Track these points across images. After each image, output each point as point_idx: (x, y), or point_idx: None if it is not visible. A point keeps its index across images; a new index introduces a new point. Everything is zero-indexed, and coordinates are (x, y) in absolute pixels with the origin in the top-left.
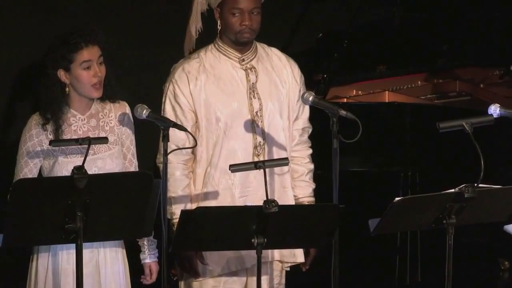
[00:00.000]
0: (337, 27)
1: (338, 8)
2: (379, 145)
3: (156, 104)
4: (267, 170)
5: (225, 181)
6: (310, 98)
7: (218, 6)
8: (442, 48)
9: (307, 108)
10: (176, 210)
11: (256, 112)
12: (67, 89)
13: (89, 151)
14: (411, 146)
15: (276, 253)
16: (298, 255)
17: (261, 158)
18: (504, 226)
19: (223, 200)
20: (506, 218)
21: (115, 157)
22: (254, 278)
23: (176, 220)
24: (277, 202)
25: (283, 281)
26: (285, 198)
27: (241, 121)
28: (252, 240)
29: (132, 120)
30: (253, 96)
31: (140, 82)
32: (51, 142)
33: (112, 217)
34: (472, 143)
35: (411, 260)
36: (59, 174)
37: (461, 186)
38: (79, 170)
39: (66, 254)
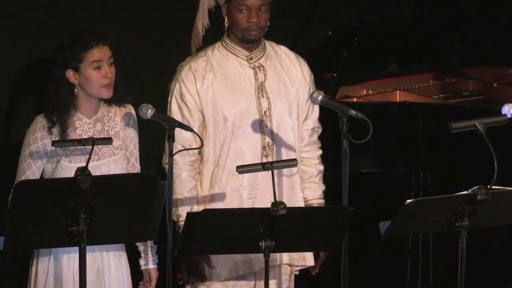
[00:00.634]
0: (347, 25)
1: (348, 5)
2: (390, 145)
3: (162, 104)
4: (275, 171)
5: (232, 183)
6: (320, 98)
7: (225, 3)
8: (455, 46)
9: (316, 108)
10: (182, 212)
11: (265, 112)
12: (75, 90)
13: (93, 157)
14: (423, 146)
15: (285, 257)
16: (308, 259)
17: (270, 159)
18: None
19: (231, 202)
20: None
21: (119, 162)
22: (263, 282)
23: (182, 223)
24: (285, 204)
25: (292, 285)
26: (294, 200)
27: (249, 121)
28: (260, 243)
29: (137, 124)
30: (262, 95)
31: (146, 81)
32: (53, 143)
33: (116, 220)
34: (485, 143)
35: (422, 264)
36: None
37: (474, 187)
38: (83, 171)
39: (67, 260)
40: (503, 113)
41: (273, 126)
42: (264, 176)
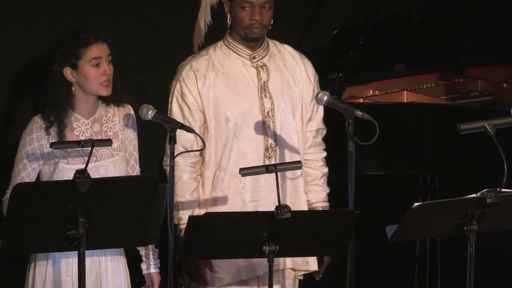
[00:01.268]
0: (353, 23)
1: (355, 3)
2: (397, 147)
3: (163, 104)
4: (279, 173)
5: (235, 185)
6: (325, 98)
7: (228, 0)
8: (463, 45)
9: (321, 108)
10: (183, 215)
11: (268, 112)
12: (73, 88)
13: (92, 158)
14: (430, 148)
15: (289, 261)
16: (311, 263)
17: (273, 161)
18: None
19: (234, 205)
20: None
21: (118, 164)
22: (266, 287)
23: (183, 226)
24: (290, 208)
25: None
26: (298, 203)
27: (251, 122)
28: (264, 248)
29: (136, 124)
30: (265, 95)
31: (146, 81)
32: (51, 145)
33: (116, 224)
34: (494, 145)
35: (430, 269)
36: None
37: (483, 190)
38: (82, 173)
39: (65, 265)
40: None
41: (276, 127)
42: (267, 178)
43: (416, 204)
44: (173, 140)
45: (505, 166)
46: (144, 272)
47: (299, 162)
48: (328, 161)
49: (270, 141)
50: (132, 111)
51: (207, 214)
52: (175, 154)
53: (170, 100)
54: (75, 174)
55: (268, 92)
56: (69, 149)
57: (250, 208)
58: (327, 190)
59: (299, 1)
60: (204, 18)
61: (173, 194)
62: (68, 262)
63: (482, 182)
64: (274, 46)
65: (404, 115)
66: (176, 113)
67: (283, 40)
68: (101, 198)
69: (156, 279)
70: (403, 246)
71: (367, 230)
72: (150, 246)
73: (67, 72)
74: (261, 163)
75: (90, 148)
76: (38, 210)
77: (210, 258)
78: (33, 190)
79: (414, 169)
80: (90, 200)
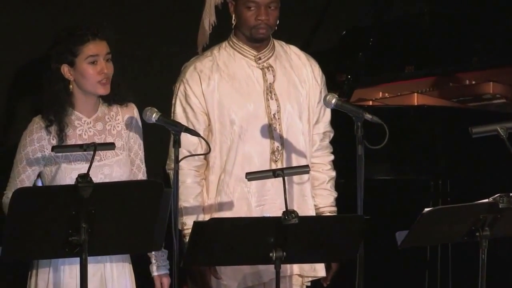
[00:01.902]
0: (363, 24)
1: (364, 3)
2: (407, 151)
3: (166, 107)
4: (286, 178)
5: (240, 189)
6: (333, 101)
7: (233, 0)
8: (475, 46)
9: (328, 111)
10: (187, 220)
11: (274, 115)
12: (70, 86)
13: (95, 157)
14: (441, 152)
15: (296, 267)
16: (318, 269)
17: (279, 164)
18: None
19: (239, 210)
20: None
21: (122, 163)
22: None
23: (187, 231)
24: (297, 213)
25: None
26: (305, 207)
27: (257, 124)
28: (270, 254)
29: (140, 123)
30: (271, 97)
31: (148, 83)
32: (53, 148)
33: (119, 229)
34: (507, 149)
35: (441, 276)
36: (62, 182)
37: (496, 195)
38: (84, 178)
39: (68, 268)
40: None
41: (283, 129)
42: (273, 183)
43: (426, 209)
44: (178, 144)
45: None
46: (154, 274)
47: (307, 166)
48: (337, 165)
49: (276, 144)
50: (135, 110)
51: (212, 219)
52: (180, 158)
53: (173, 102)
54: (77, 178)
55: (274, 94)
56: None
57: (256, 213)
58: (335, 194)
59: (307, 0)
60: (208, 19)
61: (177, 199)
62: (72, 266)
63: (494, 187)
64: (280, 46)
65: (415, 118)
66: (179, 115)
67: (290, 41)
68: (104, 203)
69: (166, 282)
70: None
71: (377, 236)
72: None
73: (65, 69)
74: (267, 167)
75: (93, 149)
76: (39, 216)
77: (215, 264)
78: (34, 195)
79: (424, 173)
80: (93, 205)
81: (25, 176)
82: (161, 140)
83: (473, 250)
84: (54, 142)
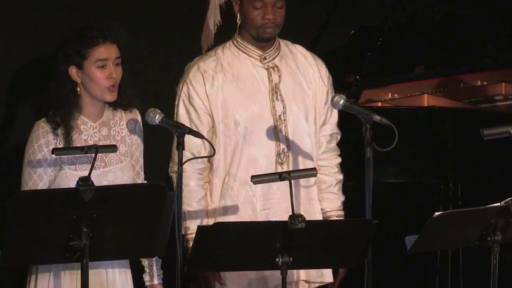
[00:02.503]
0: (371, 23)
1: (373, 2)
2: (417, 154)
3: (169, 108)
4: (292, 181)
5: (245, 192)
6: (341, 102)
7: None
8: (487, 46)
9: (335, 112)
10: (190, 225)
11: (279, 116)
12: (78, 89)
13: (100, 164)
14: (452, 155)
15: (302, 273)
16: (326, 275)
17: (285, 167)
18: None
19: (244, 214)
20: None
21: (126, 169)
22: None
23: (190, 235)
24: (304, 217)
25: None
26: (312, 211)
27: (262, 126)
28: (277, 260)
29: (142, 130)
30: (276, 98)
31: (151, 83)
32: (53, 151)
33: (121, 234)
34: None
35: (452, 282)
36: (66, 187)
37: (508, 199)
38: (85, 181)
39: (69, 274)
40: None
41: (288, 131)
42: (279, 186)
43: (437, 213)
44: (181, 146)
45: None
46: (147, 284)
47: (314, 169)
48: (344, 167)
49: (282, 146)
50: (139, 116)
51: (216, 224)
52: (184, 161)
53: (176, 103)
54: (78, 181)
55: (280, 95)
56: (77, 155)
57: (261, 217)
58: (342, 198)
59: (315, 0)
60: (213, 18)
61: (181, 202)
62: (72, 272)
63: (506, 190)
64: (286, 46)
65: (425, 119)
66: (182, 116)
67: (297, 41)
68: (106, 207)
69: None
70: (423, 258)
71: (386, 240)
72: None
73: (73, 71)
74: (272, 169)
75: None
76: (39, 220)
77: (219, 270)
78: (34, 198)
79: (434, 176)
80: (94, 209)
81: (42, 184)
82: (163, 142)
83: (485, 255)
84: (61, 145)
